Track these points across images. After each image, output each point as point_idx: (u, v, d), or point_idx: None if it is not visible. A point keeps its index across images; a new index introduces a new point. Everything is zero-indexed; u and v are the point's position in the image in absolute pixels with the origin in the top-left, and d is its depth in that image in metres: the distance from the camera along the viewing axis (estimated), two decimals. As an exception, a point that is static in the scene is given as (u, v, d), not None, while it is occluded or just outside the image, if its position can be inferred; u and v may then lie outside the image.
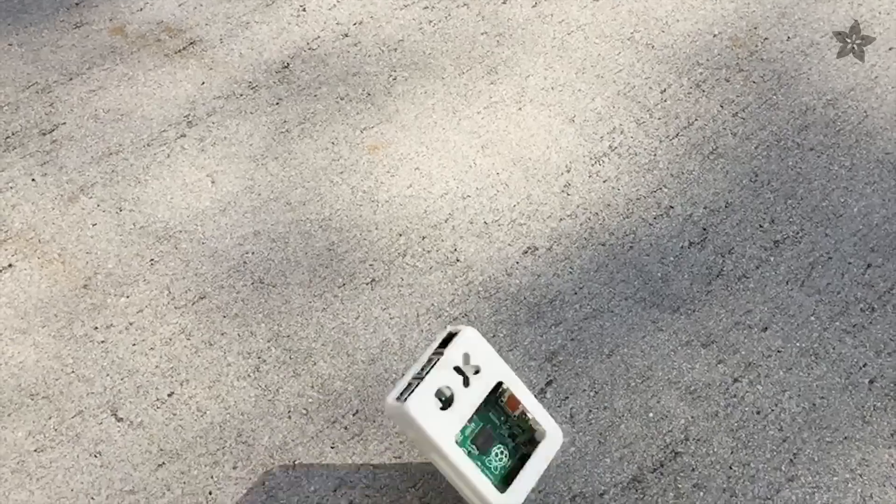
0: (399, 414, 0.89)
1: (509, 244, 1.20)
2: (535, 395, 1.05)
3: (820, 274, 1.16)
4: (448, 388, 0.90)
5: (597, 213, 1.24)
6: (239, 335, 1.11)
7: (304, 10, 1.54)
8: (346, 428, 1.03)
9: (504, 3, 1.54)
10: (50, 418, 1.04)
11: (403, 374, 0.93)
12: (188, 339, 1.11)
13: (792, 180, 1.27)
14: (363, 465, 1.00)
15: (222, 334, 1.11)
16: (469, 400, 0.90)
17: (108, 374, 1.07)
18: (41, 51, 1.47)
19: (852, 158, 1.30)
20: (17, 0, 1.55)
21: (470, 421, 0.92)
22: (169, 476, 0.99)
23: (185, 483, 0.99)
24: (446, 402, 0.89)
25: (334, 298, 1.14)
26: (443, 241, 1.20)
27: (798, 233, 1.21)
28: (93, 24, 1.51)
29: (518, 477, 0.91)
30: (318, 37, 1.49)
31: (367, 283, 1.16)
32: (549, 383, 1.06)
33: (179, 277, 1.17)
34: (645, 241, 1.20)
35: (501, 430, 0.93)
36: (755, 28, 1.49)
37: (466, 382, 0.91)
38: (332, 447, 1.01)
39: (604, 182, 1.27)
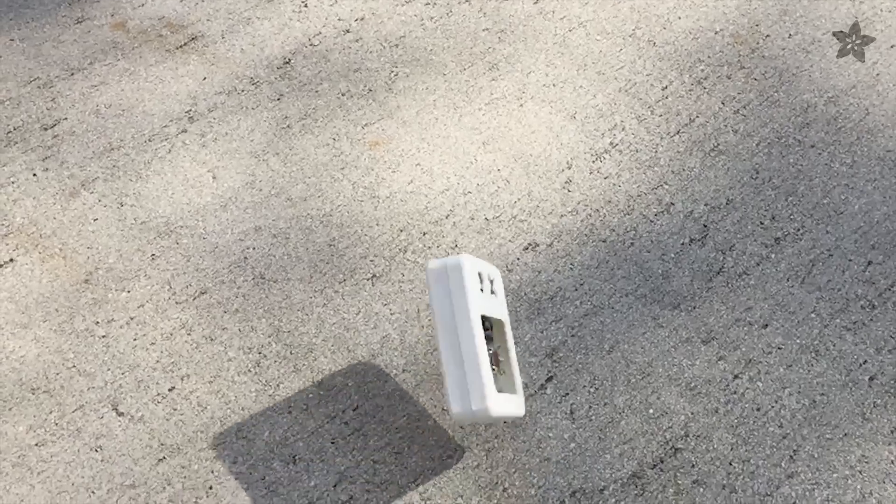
0: (450, 265, 0.95)
1: (510, 240, 1.20)
2: (536, 391, 1.05)
3: (820, 271, 1.16)
4: (482, 279, 0.98)
5: (597, 210, 1.24)
6: (240, 330, 1.11)
7: (305, 6, 1.54)
8: (346, 423, 1.03)
9: (506, -1, 1.54)
10: (51, 413, 1.04)
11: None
12: (189, 335, 1.11)
13: (793, 177, 1.27)
14: (363, 461, 1.00)
15: (223, 329, 1.11)
16: (488, 307, 0.98)
17: (108, 369, 1.08)
18: (43, 46, 1.47)
19: (853, 156, 1.30)
20: (18, -5, 1.55)
21: None
22: (169, 470, 0.99)
23: (185, 477, 0.99)
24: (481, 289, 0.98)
25: (335, 294, 1.15)
26: (444, 237, 1.20)
27: (799, 230, 1.21)
28: (94, 20, 1.51)
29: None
30: (320, 33, 1.49)
31: (367, 279, 1.16)
32: (549, 379, 1.06)
33: (180, 272, 1.17)
34: (646, 237, 1.20)
35: None
36: (757, 25, 1.49)
37: (493, 291, 1.00)
38: (332, 442, 1.01)
39: (605, 179, 1.27)
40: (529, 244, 1.20)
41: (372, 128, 1.34)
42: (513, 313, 1.12)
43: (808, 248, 1.19)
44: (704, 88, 1.39)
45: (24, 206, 1.25)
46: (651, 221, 1.22)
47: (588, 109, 1.36)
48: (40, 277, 1.16)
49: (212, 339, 1.10)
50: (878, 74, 1.40)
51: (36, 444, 1.01)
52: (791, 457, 0.99)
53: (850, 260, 1.17)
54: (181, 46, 1.47)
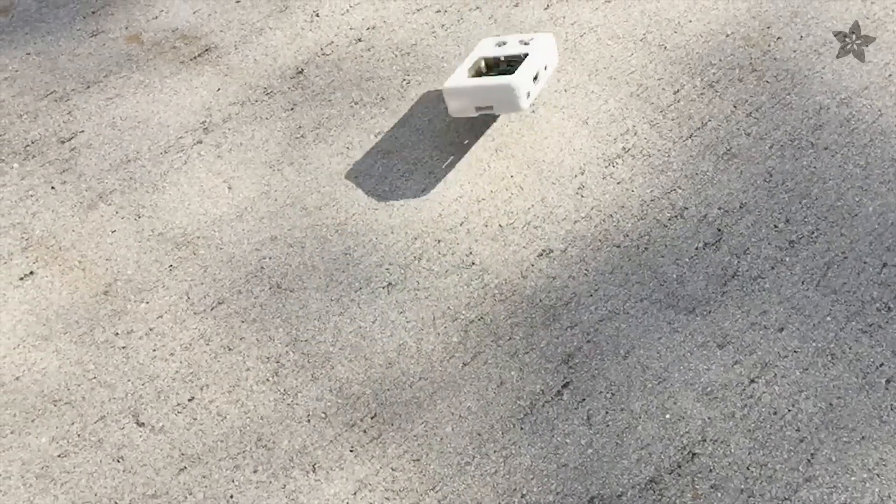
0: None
1: (524, 247, 1.21)
2: (552, 397, 1.05)
3: (836, 274, 1.16)
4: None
5: (611, 215, 1.24)
6: (257, 340, 1.12)
7: (317, 15, 1.55)
8: (364, 431, 1.04)
9: (516, 5, 1.55)
10: (73, 424, 1.05)
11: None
12: (207, 345, 1.12)
13: (806, 180, 1.27)
14: (382, 468, 1.00)
15: (241, 339, 1.12)
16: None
17: (129, 380, 1.09)
18: (59, 60, 1.48)
19: (867, 157, 1.30)
20: (34, 10, 1.57)
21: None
22: (190, 480, 1.00)
23: (206, 487, 1.00)
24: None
25: (351, 302, 1.15)
26: (458, 244, 1.21)
27: (813, 232, 1.21)
28: (109, 33, 1.53)
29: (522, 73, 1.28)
30: (332, 42, 1.50)
31: (383, 287, 1.17)
32: (565, 385, 1.07)
33: (198, 283, 1.18)
34: (659, 242, 1.21)
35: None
36: (768, 27, 1.49)
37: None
38: (351, 450, 1.02)
39: (618, 184, 1.27)
40: (544, 250, 1.20)
41: (385, 136, 1.35)
42: (528, 320, 1.13)
43: (822, 251, 1.19)
44: (716, 92, 1.39)
45: (43, 219, 1.26)
46: (665, 226, 1.22)
47: (600, 115, 1.37)
48: (60, 290, 1.18)
49: (230, 349, 1.11)
50: (890, 75, 1.40)
51: (59, 455, 1.02)
52: (809, 460, 1.00)
53: (865, 262, 1.17)
54: (195, 58, 1.48)
